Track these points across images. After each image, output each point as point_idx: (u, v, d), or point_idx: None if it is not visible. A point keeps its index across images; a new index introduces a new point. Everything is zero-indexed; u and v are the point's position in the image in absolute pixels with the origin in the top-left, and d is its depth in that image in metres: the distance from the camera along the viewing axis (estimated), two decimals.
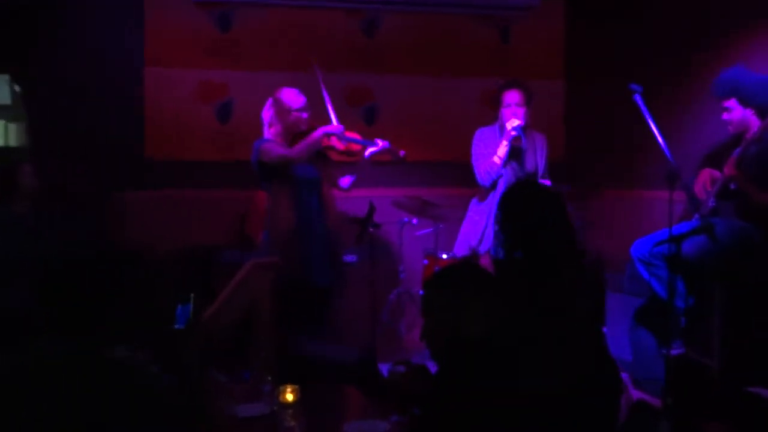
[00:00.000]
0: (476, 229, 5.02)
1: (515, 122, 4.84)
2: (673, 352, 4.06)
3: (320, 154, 4.83)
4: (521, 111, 4.93)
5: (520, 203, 3.09)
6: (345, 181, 4.96)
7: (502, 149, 4.87)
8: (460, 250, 5.10)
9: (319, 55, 6.31)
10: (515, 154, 4.93)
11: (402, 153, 4.95)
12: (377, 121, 6.54)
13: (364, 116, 6.52)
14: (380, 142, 4.87)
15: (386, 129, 6.29)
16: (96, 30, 5.94)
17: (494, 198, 4.95)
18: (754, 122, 4.19)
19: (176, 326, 4.10)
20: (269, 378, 3.29)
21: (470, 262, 4.71)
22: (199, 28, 6.22)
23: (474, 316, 2.61)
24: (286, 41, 6.38)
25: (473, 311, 2.63)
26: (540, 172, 5.02)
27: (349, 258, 5.24)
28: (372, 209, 5.03)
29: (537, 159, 5.01)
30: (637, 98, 4.28)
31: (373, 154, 4.83)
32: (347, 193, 5.07)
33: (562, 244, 3.02)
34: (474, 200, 5.12)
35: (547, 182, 4.95)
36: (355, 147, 4.84)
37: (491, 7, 6.74)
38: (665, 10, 5.65)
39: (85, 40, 5.90)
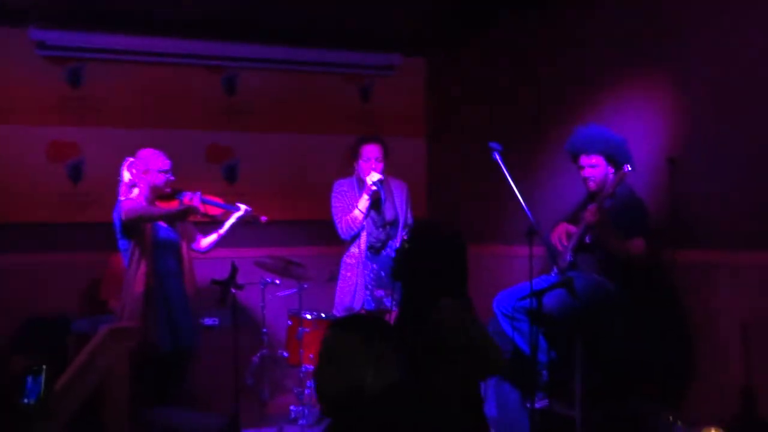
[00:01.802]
0: (349, 287, 4.96)
1: (375, 176, 4.83)
2: (537, 405, 4.10)
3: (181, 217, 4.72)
4: (380, 165, 4.94)
5: (426, 247, 3.03)
6: (202, 244, 4.86)
7: (363, 203, 4.86)
8: (338, 311, 5.03)
9: (177, 112, 6.25)
10: (375, 204, 4.93)
11: (264, 219, 4.92)
12: (239, 179, 6.43)
13: (225, 174, 6.42)
14: (242, 207, 4.82)
15: (248, 187, 6.21)
16: None
17: (361, 253, 4.92)
18: (610, 179, 4.33)
19: (26, 400, 3.85)
20: None
21: (377, 315, 4.63)
22: (49, 83, 5.99)
23: (378, 369, 2.55)
24: (142, 98, 6.23)
25: (378, 363, 2.56)
26: (402, 220, 5.03)
27: (211, 321, 5.07)
28: (234, 270, 4.90)
29: (397, 208, 5.02)
30: (496, 156, 4.35)
31: (238, 219, 4.81)
32: (207, 255, 4.96)
33: (459, 291, 2.99)
34: (343, 259, 5.07)
35: None
36: (217, 211, 4.76)
37: (352, 66, 6.82)
38: (522, 71, 5.84)
39: None
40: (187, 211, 4.57)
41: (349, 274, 4.99)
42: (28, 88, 5.94)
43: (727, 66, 4.22)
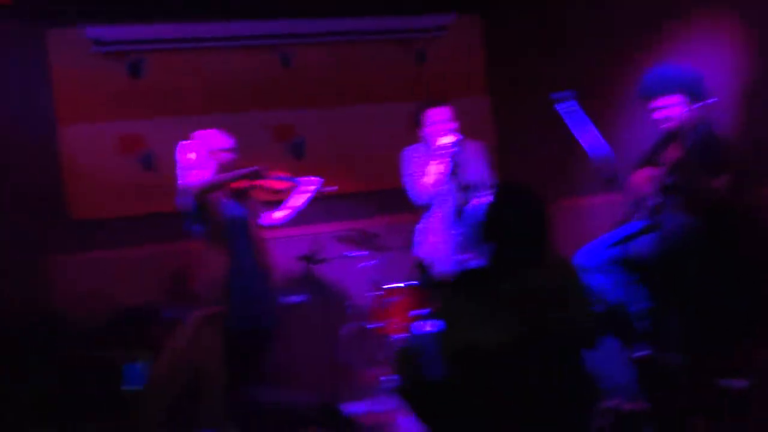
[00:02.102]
0: (431, 253, 4.93)
1: (448, 139, 4.75)
2: (639, 354, 4.04)
3: (245, 194, 4.70)
4: (450, 126, 4.86)
5: (511, 208, 3.01)
6: (274, 217, 4.83)
7: (436, 168, 4.77)
8: (420, 277, 5.02)
9: (238, 94, 6.25)
10: (453, 170, 4.86)
11: (331, 189, 4.85)
12: (306, 155, 6.43)
13: (292, 151, 6.41)
14: (308, 180, 4.77)
15: (316, 162, 6.19)
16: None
17: (441, 218, 4.86)
18: (690, 117, 4.22)
19: (128, 387, 3.93)
20: None
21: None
22: (110, 78, 6.02)
23: (494, 326, 2.56)
24: (202, 84, 6.24)
25: (493, 320, 2.58)
26: (482, 182, 4.95)
27: (297, 298, 5.09)
28: (316, 246, 4.91)
29: (477, 168, 4.95)
30: (566, 105, 4.27)
31: (308, 192, 4.75)
32: (287, 232, 4.96)
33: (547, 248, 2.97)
34: (422, 225, 5.03)
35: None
36: (282, 185, 4.72)
37: (404, 30, 6.74)
38: (583, 16, 5.71)
39: None
40: (254, 174, 4.52)
41: (430, 240, 4.96)
42: (91, 86, 5.97)
43: None
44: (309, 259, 4.96)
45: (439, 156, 4.78)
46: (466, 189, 4.88)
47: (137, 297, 5.55)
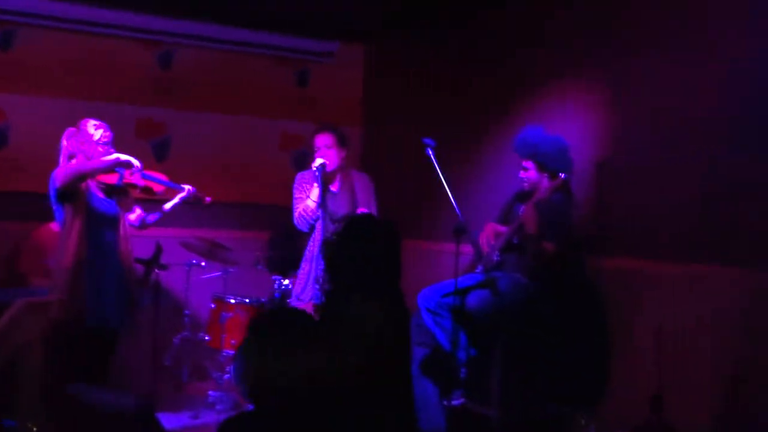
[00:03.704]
0: (302, 280, 4.93)
1: (317, 162, 4.81)
2: (454, 402, 4.15)
3: (120, 191, 4.57)
4: (330, 152, 4.90)
5: (356, 240, 3.00)
6: (134, 218, 4.71)
7: (314, 192, 4.81)
8: (293, 301, 5.01)
9: (109, 84, 6.10)
10: (328, 197, 4.89)
11: (208, 200, 4.80)
12: (169, 156, 6.32)
13: (154, 151, 6.29)
14: (186, 187, 4.71)
15: (178, 165, 6.09)
16: None
17: (315, 245, 4.87)
18: (545, 183, 4.39)
19: None
20: (34, 427, 3.06)
21: (301, 310, 4.61)
22: None
23: (294, 367, 2.57)
24: (74, 67, 6.07)
25: (294, 362, 2.58)
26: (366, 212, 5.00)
27: None
28: (159, 250, 4.82)
29: (358, 200, 4.98)
30: (429, 153, 4.38)
31: (182, 199, 4.68)
32: (134, 233, 4.84)
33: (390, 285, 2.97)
34: (304, 251, 5.05)
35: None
36: (159, 188, 4.62)
37: (288, 49, 6.78)
38: (460, 65, 5.86)
39: None
40: (122, 165, 4.38)
41: (304, 266, 4.96)
42: None
43: (665, 83, 4.31)
44: (149, 262, 4.87)
45: (314, 181, 4.81)
46: (337, 222, 4.91)
47: None
